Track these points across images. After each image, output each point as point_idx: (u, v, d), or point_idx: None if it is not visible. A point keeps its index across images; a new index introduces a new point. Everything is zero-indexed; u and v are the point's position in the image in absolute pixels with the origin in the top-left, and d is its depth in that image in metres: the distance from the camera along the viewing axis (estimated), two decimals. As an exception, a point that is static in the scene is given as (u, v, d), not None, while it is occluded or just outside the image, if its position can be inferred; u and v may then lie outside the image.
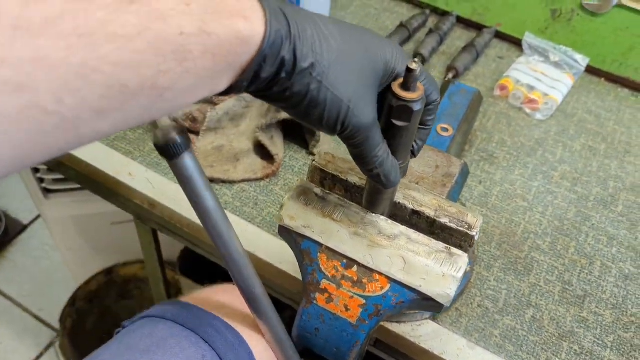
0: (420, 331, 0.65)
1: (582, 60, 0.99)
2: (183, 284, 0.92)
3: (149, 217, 0.80)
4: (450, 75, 0.96)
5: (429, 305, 0.48)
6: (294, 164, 0.82)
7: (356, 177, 0.52)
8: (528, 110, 0.93)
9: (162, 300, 1.02)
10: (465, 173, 0.67)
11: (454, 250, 0.48)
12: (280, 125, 0.81)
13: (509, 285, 0.71)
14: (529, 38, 1.01)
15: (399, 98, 0.40)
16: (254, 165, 0.79)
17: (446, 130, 0.76)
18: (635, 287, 0.73)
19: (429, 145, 0.69)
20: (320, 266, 0.49)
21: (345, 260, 0.49)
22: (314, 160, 0.54)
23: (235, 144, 0.79)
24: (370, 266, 0.48)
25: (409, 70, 0.39)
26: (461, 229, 0.50)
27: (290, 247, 0.52)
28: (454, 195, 0.64)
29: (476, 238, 0.50)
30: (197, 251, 0.80)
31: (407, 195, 0.52)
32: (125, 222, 1.29)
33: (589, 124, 0.94)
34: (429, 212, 0.51)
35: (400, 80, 0.41)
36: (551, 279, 0.73)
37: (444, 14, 1.10)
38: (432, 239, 0.49)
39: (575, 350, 0.66)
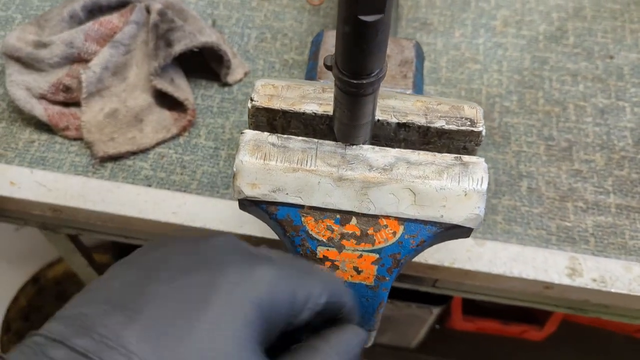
0: (420, 247, 0.57)
1: None
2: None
3: (58, 225, 0.64)
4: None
5: (456, 234, 0.39)
6: (210, 103, 0.67)
7: (314, 105, 0.40)
8: (445, -41, 0.81)
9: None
10: (421, 54, 0.55)
11: (466, 158, 0.38)
12: (177, 62, 0.65)
13: (494, 162, 0.63)
14: None
15: (362, -20, 0.27)
16: (163, 121, 0.63)
17: (375, 8, 0.63)
18: (614, 119, 0.67)
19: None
20: (310, 232, 0.37)
21: (339, 216, 0.37)
22: (251, 100, 0.40)
23: (130, 102, 0.63)
24: (373, 212, 0.37)
25: None
26: (463, 128, 0.39)
27: (261, 219, 0.40)
28: (419, 84, 0.53)
29: (484, 133, 0.39)
30: (131, 242, 0.66)
31: (384, 108, 0.40)
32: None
33: (511, -45, 0.83)
34: (419, 120, 0.39)
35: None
36: (532, 139, 0.65)
37: None
38: (437, 154, 0.38)
39: (581, 207, 0.61)
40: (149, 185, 0.60)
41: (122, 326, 0.22)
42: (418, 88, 0.52)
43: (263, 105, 0.39)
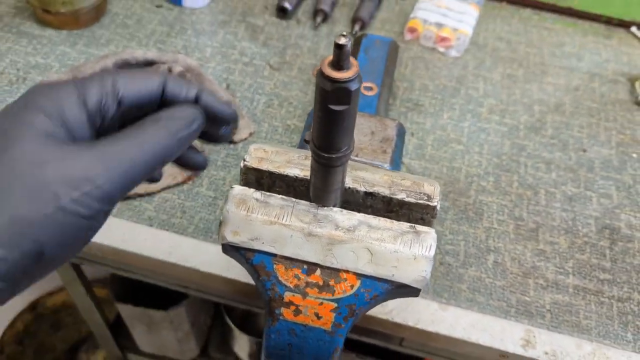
0: (389, 306, 0.62)
1: (482, -13, 0.97)
2: (120, 309, 0.84)
3: (65, 253, 0.70)
4: (357, 27, 0.91)
5: (406, 292, 0.44)
6: (215, 157, 0.74)
7: (297, 169, 0.47)
8: (442, 49, 0.90)
9: (101, 331, 0.93)
10: (402, 133, 0.62)
11: (420, 227, 0.44)
12: (190, 119, 0.72)
13: (465, 234, 0.69)
14: (426, -27, 0.97)
15: (332, 80, 0.34)
16: (171, 169, 0.70)
17: (370, 89, 0.71)
18: (580, 207, 0.73)
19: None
20: (280, 278, 0.43)
21: (305, 266, 0.44)
22: (244, 160, 0.47)
23: (144, 150, 0.70)
24: (335, 266, 0.43)
25: (338, 47, 0.33)
26: (421, 201, 0.46)
27: (240, 264, 0.46)
28: (397, 159, 0.60)
29: (438, 208, 0.46)
30: (129, 276, 0.72)
31: (355, 178, 0.47)
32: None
33: (502, 51, 0.92)
34: (383, 191, 0.46)
35: (330, 58, 0.35)
36: (503, 218, 0.71)
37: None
38: (394, 221, 0.44)
39: (541, 284, 0.66)
40: (151, 225, 0.66)
41: None
42: (395, 163, 0.59)
43: (253, 165, 0.46)
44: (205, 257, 0.64)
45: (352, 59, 0.35)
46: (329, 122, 0.37)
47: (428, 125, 0.81)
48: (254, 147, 0.48)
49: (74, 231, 0.28)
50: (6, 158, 0.27)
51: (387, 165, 0.58)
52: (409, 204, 0.46)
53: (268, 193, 0.45)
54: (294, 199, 0.45)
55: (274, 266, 0.44)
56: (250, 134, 0.77)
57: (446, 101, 0.84)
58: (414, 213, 0.46)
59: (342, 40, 0.33)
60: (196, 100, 0.34)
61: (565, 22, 0.99)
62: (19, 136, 0.28)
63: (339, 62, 0.34)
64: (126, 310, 0.84)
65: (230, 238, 0.44)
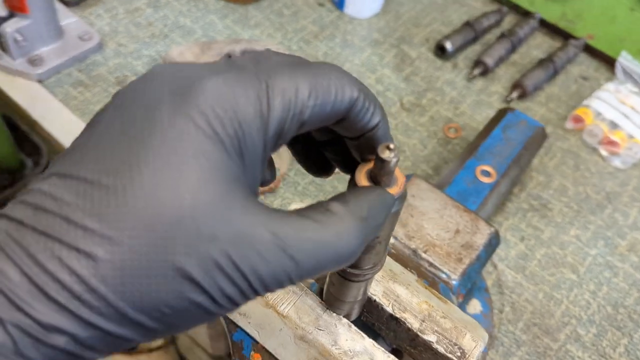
0: None
1: (690, 97, 0.78)
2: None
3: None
4: (515, 95, 0.79)
5: None
6: (299, 180, 0.69)
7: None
8: (604, 153, 0.75)
9: None
10: (493, 245, 0.51)
11: (432, 390, 0.35)
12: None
13: (528, 384, 0.57)
14: (625, 59, 0.81)
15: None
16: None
17: (488, 174, 0.60)
18: (696, 417, 0.56)
19: (455, 199, 0.54)
20: (252, 368, 0.37)
21: (283, 370, 0.36)
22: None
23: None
24: (314, 387, 0.36)
25: (381, 161, 0.25)
26: (450, 355, 0.36)
27: (224, 328, 0.40)
28: (470, 276, 0.49)
29: (469, 373, 0.36)
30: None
31: (388, 292, 0.38)
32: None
33: (681, 182, 0.74)
34: (412, 323, 0.37)
35: (368, 167, 0.27)
36: (585, 385, 0.57)
37: (525, 14, 0.90)
38: (405, 367, 0.35)
39: None
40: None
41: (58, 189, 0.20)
42: (466, 279, 0.48)
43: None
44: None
45: (397, 173, 0.27)
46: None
47: (545, 236, 0.67)
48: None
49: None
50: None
51: (454, 279, 0.48)
52: (436, 351, 0.36)
53: (282, 268, 0.38)
54: (304, 288, 0.38)
55: (252, 352, 0.37)
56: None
57: (582, 215, 0.69)
58: (439, 363, 0.37)
59: (387, 154, 0.25)
60: (372, 128, 0.27)
61: None
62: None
63: (378, 177, 0.26)
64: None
65: (220, 301, 0.38)
